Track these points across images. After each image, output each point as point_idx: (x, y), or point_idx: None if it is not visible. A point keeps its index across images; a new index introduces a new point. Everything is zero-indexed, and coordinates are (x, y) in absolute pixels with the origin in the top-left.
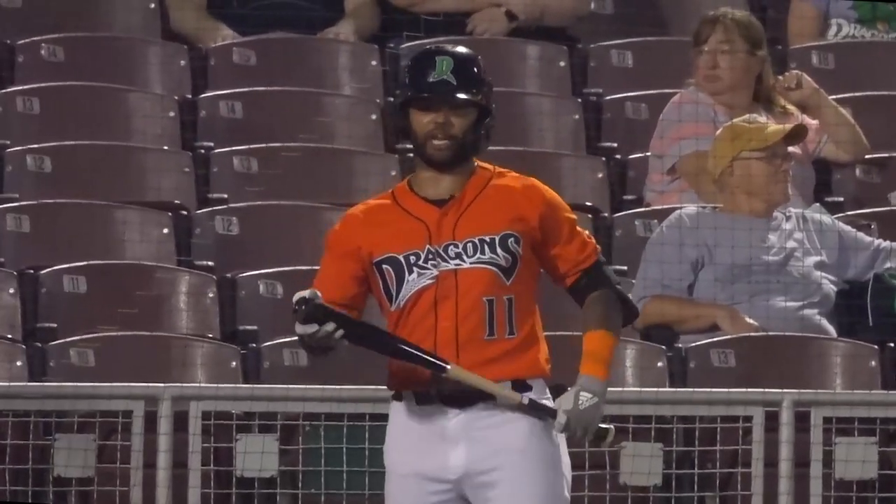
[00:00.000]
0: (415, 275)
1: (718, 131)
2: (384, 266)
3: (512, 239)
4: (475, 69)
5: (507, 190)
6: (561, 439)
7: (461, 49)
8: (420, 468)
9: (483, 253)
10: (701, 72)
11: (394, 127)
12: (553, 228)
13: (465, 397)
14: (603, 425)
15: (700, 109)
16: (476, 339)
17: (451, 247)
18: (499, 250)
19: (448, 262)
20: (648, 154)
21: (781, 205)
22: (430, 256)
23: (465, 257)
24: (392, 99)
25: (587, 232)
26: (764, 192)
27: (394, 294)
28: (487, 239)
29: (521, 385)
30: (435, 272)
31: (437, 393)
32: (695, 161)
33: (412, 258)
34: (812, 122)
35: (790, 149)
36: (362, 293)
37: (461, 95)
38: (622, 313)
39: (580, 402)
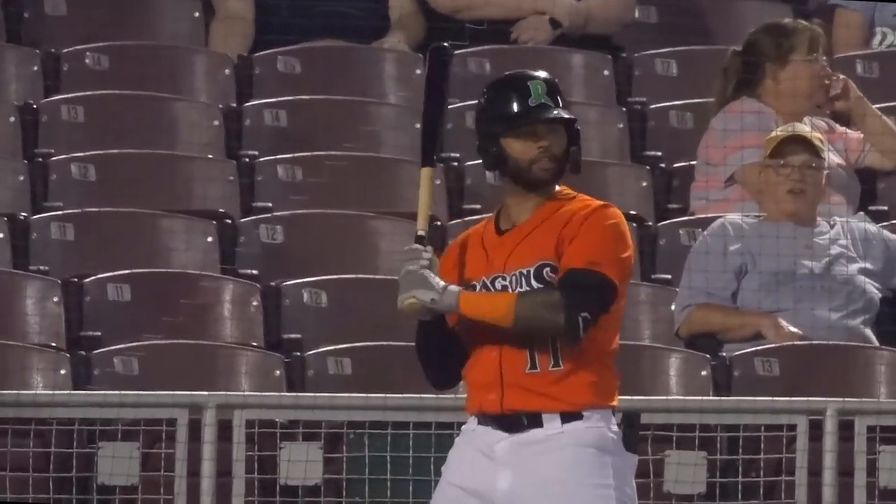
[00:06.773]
0: None
1: None
2: None
3: (547, 268)
4: (559, 88)
5: (558, 216)
6: (618, 464)
7: (542, 72)
8: (467, 482)
9: (521, 286)
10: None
11: (492, 159)
12: (571, 241)
13: (512, 422)
14: (408, 297)
15: (761, 119)
16: (518, 372)
17: (499, 279)
18: (533, 282)
19: None
20: (694, 163)
21: (795, 214)
22: (484, 289)
23: (509, 290)
24: (485, 131)
25: (615, 275)
26: (782, 199)
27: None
28: (525, 271)
29: (571, 416)
30: None
31: (487, 414)
32: (757, 171)
33: (469, 289)
34: (854, 133)
35: (833, 158)
36: None
37: (566, 115)
38: (547, 314)
39: (414, 269)
